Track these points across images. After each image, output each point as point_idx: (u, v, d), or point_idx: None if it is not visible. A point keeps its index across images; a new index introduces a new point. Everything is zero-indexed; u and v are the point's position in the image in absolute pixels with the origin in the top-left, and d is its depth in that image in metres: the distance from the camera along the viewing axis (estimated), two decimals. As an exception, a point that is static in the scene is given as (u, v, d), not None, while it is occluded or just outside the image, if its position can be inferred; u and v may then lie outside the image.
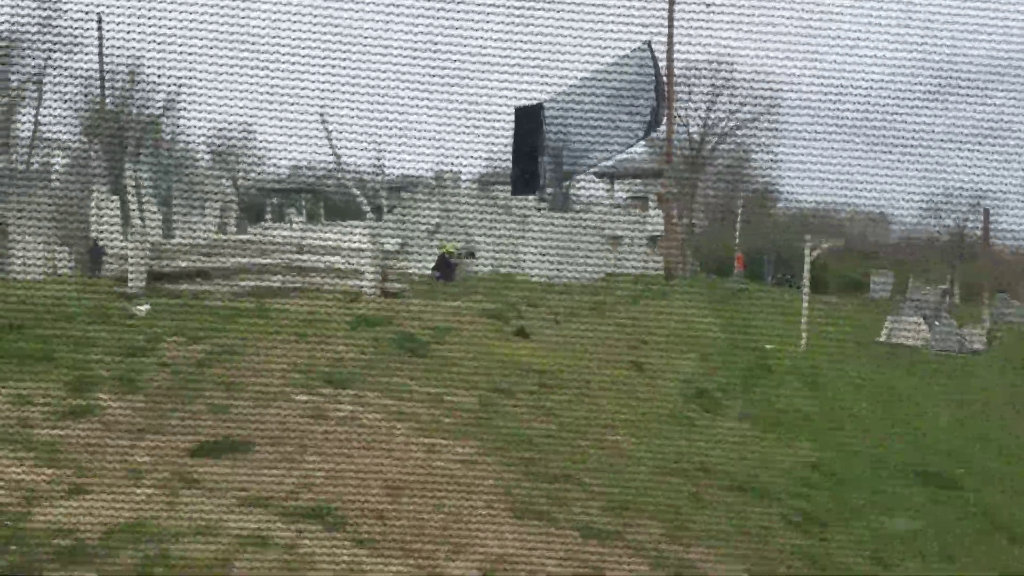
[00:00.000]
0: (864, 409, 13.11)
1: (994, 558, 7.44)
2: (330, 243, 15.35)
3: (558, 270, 25.03)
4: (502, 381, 8.44)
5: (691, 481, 7.27)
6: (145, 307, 11.68)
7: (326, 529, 4.97)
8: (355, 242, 15.13)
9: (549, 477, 6.34)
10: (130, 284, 14.82)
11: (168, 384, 7.12)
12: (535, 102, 28.08)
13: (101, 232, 27.65)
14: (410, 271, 15.63)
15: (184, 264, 15.30)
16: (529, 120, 27.77)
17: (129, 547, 4.31)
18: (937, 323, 24.80)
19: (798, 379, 14.18)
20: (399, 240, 15.15)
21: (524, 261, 26.46)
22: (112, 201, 27.59)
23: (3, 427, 5.94)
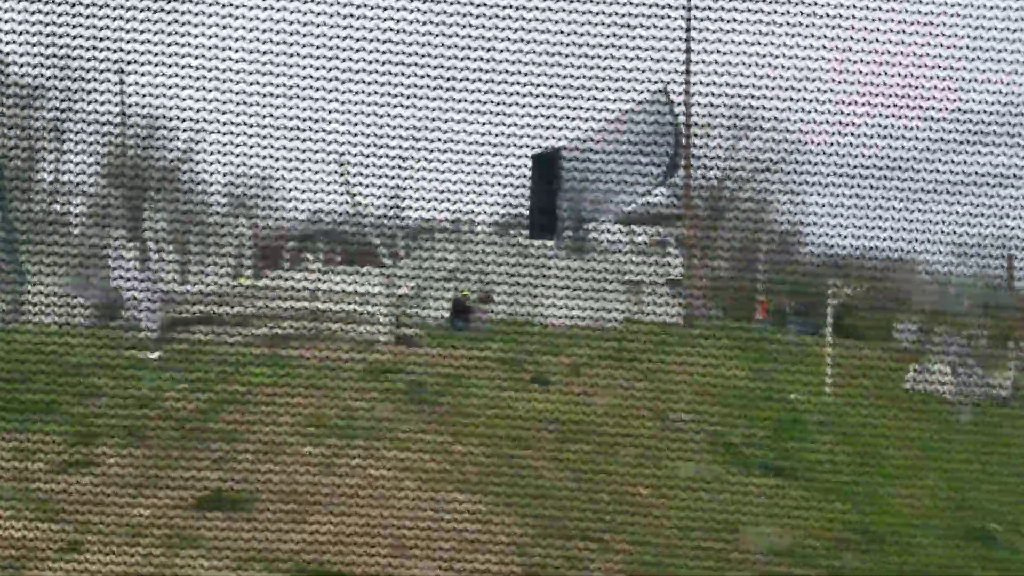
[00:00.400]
0: (895, 461, 12.66)
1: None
2: (344, 288, 15.23)
3: (576, 316, 24.74)
4: (519, 432, 8.13)
5: (720, 539, 6.90)
6: (156, 355, 11.53)
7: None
8: (368, 287, 15.00)
9: (566, 535, 6.01)
10: (143, 331, 14.72)
11: (172, 435, 6.87)
12: (553, 148, 27.96)
13: (118, 279, 27.72)
14: (426, 317, 15.43)
15: (198, 311, 15.19)
16: (547, 165, 27.72)
17: (118, 611, 4.03)
18: (963, 371, 24.28)
19: (825, 430, 13.77)
20: (414, 285, 14.95)
21: (541, 306, 26.26)
22: (130, 248, 27.73)
23: (6, 479, 5.70)
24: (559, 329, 19.70)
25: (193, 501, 5.63)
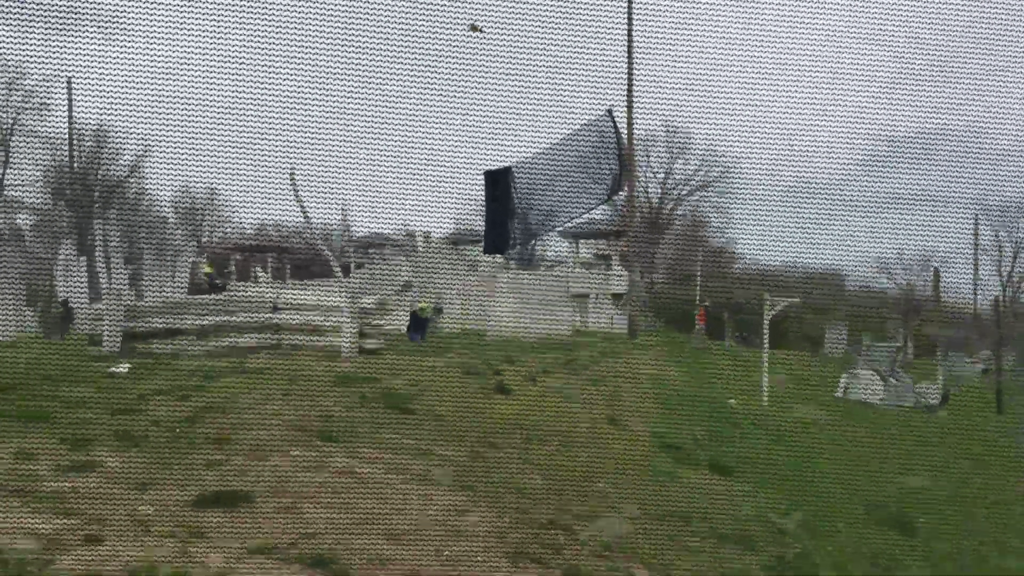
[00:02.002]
0: (828, 460, 13.56)
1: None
2: (307, 301, 15.58)
3: (527, 327, 25.44)
4: (487, 435, 8.72)
5: (673, 527, 7.58)
6: (125, 367, 11.77)
7: None
8: (332, 300, 15.37)
9: (539, 524, 6.62)
10: (105, 344, 14.85)
11: (163, 440, 7.28)
12: (504, 166, 28.77)
13: (69, 292, 27.52)
14: (384, 328, 15.86)
15: (160, 324, 15.38)
16: (498, 183, 28.64)
17: (148, 593, 4.50)
18: (892, 379, 25.52)
19: (762, 432, 14.62)
20: (377, 298, 15.40)
21: (493, 318, 26.85)
22: (79, 261, 27.55)
23: (13, 481, 6.07)
24: (512, 340, 20.34)
25: (193, 498, 6.06)
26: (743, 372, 24.95)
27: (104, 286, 25.20)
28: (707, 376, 21.72)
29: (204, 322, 15.57)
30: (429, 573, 5.37)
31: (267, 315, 15.47)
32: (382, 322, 15.54)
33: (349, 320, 14.58)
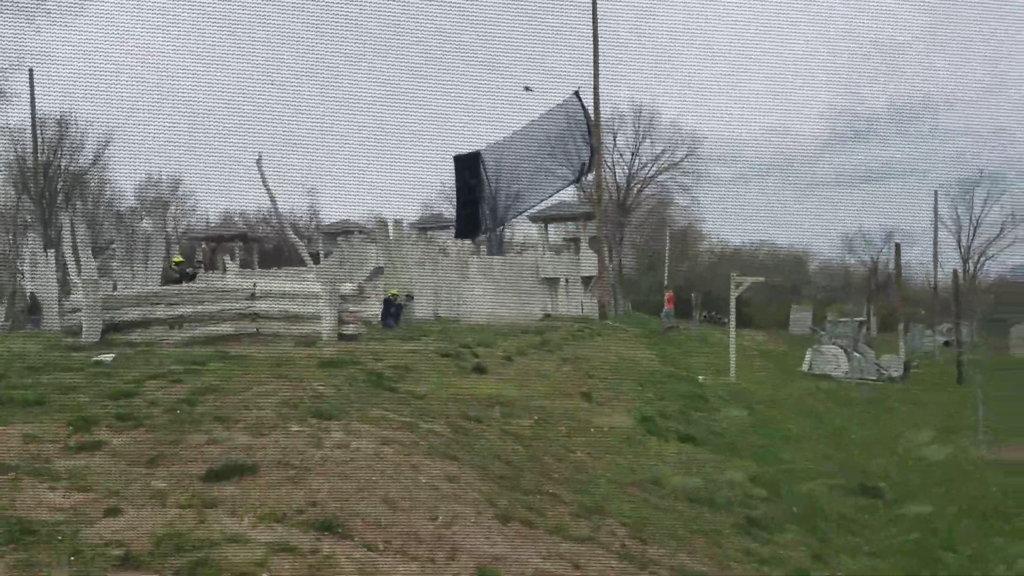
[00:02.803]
0: (794, 430, 14.23)
1: (914, 554, 8.43)
2: (286, 289, 15.87)
3: (498, 312, 25.89)
4: (469, 411, 9.18)
5: (647, 492, 8.11)
6: (110, 356, 12.01)
7: (338, 538, 5.61)
8: (311, 288, 15.67)
9: (524, 490, 7.10)
10: (84, 335, 15.05)
11: (165, 420, 7.63)
12: (473, 151, 29.23)
13: (35, 284, 27.48)
14: (362, 314, 16.20)
15: (138, 314, 15.60)
16: (468, 167, 29.10)
17: (175, 555, 4.89)
18: (855, 353, 26.43)
19: (731, 406, 15.26)
20: (355, 285, 15.74)
21: (465, 303, 27.26)
22: (47, 255, 27.49)
23: (26, 460, 6.40)
24: (486, 326, 20.78)
25: (202, 473, 6.44)
26: (711, 350, 25.67)
27: (74, 279, 25.24)
28: (677, 355, 22.41)
29: (181, 311, 15.82)
30: (427, 533, 5.81)
31: (245, 303, 15.73)
32: (359, 308, 15.87)
33: (328, 307, 14.92)
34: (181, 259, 23.31)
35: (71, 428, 7.33)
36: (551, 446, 8.70)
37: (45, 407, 8.07)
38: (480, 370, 12.04)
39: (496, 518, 6.32)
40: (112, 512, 5.54)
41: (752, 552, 7.19)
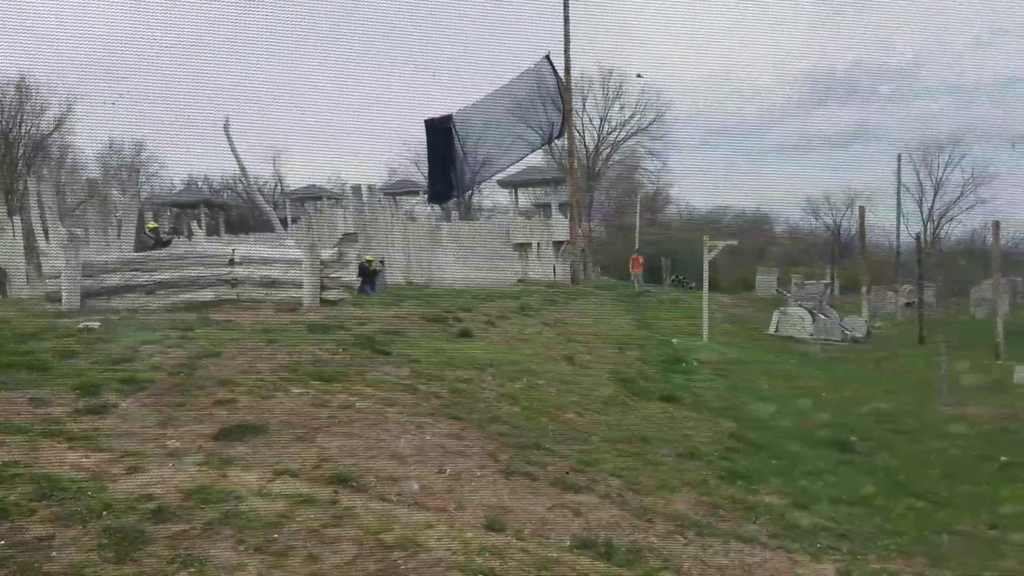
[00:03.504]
0: (766, 390, 14.72)
1: (887, 507, 8.89)
2: (266, 255, 15.92)
3: (471, 276, 26.09)
4: (464, 373, 9.46)
5: (636, 447, 8.47)
6: (96, 323, 12.06)
7: (353, 491, 5.87)
8: (292, 254, 15.76)
9: (523, 446, 7.41)
10: (64, 301, 15.03)
11: (168, 384, 7.80)
12: (445, 114, 29.27)
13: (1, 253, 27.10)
14: (343, 280, 16.33)
15: (119, 280, 15.59)
16: (440, 131, 29.13)
17: (204, 507, 5.12)
18: (820, 315, 27.12)
19: (706, 367, 15.72)
20: (335, 250, 15.85)
21: (438, 268, 27.44)
22: (10, 221, 27.08)
23: (39, 423, 6.55)
24: (460, 289, 20.97)
25: (214, 432, 6.66)
26: (682, 313, 26.18)
27: (42, 246, 24.96)
28: (650, 318, 22.86)
29: (162, 277, 15.82)
30: (438, 486, 6.10)
31: (226, 269, 15.77)
32: (339, 274, 15.99)
33: (310, 273, 15.04)
34: (155, 224, 23.18)
35: (77, 392, 7.48)
36: (544, 406, 9.02)
37: (46, 373, 8.18)
38: (466, 334, 12.31)
39: (500, 472, 6.62)
40: (134, 470, 5.75)
41: (738, 500, 7.57)
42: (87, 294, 15.41)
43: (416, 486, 5.97)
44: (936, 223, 59.93)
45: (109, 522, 4.88)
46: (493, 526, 5.52)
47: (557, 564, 4.95)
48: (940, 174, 59.33)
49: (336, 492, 5.72)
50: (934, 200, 59.88)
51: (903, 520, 8.23)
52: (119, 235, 21.43)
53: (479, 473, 6.49)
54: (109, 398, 7.40)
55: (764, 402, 13.13)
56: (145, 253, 17.85)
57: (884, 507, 8.63)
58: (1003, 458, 11.21)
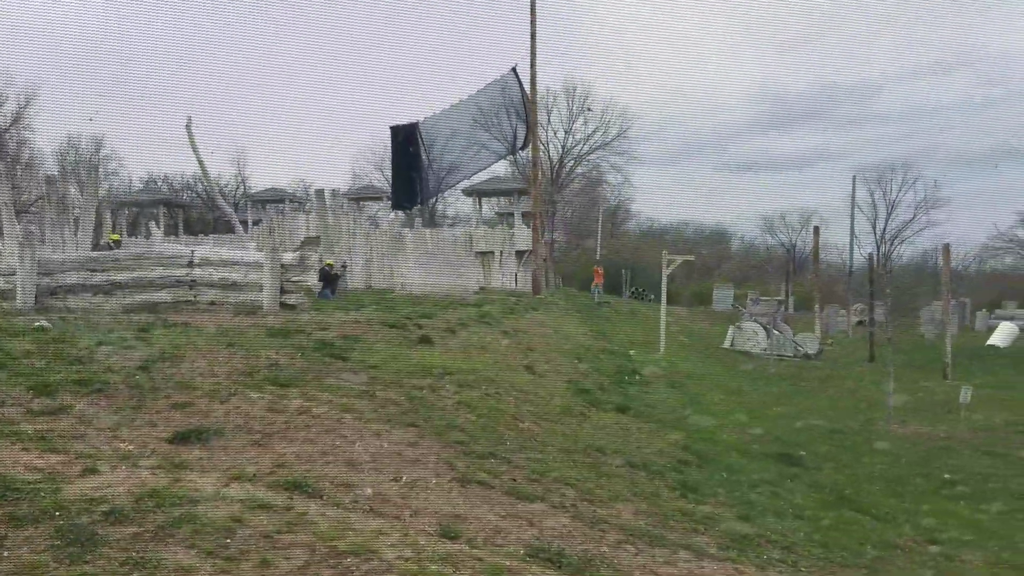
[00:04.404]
0: (719, 403, 14.97)
1: (831, 520, 9.13)
2: (226, 257, 15.82)
3: (433, 283, 26.14)
4: (421, 381, 9.51)
5: (590, 458, 8.61)
6: (49, 322, 11.89)
7: (308, 497, 5.91)
8: (252, 256, 15.67)
9: (479, 455, 7.49)
10: (19, 299, 14.81)
11: (123, 386, 7.75)
12: (411, 122, 29.28)
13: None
14: (303, 283, 16.26)
15: (76, 279, 15.39)
16: (405, 138, 29.18)
17: (156, 511, 5.12)
18: (774, 331, 27.62)
19: (661, 380, 15.94)
20: (296, 254, 15.80)
21: (399, 274, 27.42)
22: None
23: (-8, 423, 6.49)
24: (421, 295, 21.01)
25: (169, 436, 6.65)
26: (640, 326, 26.49)
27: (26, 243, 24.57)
28: (608, 329, 23.10)
29: (120, 277, 15.64)
30: (393, 493, 6.16)
31: (184, 271, 15.63)
32: (300, 278, 15.93)
33: (270, 276, 14.97)
34: (117, 236, 22.91)
35: (31, 392, 7.41)
36: (501, 416, 9.11)
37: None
38: (426, 340, 12.35)
39: (455, 481, 6.70)
40: (88, 471, 5.73)
41: (688, 512, 7.74)
42: (42, 293, 15.20)
43: (369, 491, 6.03)
44: (889, 244, 61.24)
45: (62, 523, 4.88)
46: (447, 534, 5.59)
47: (509, 572, 5.04)
48: (894, 196, 60.70)
49: (291, 497, 5.75)
50: (887, 221, 61.22)
51: (846, 534, 8.46)
52: (76, 233, 21.07)
53: (434, 481, 6.56)
54: (63, 399, 7.34)
55: (716, 415, 13.36)
56: (104, 252, 17.64)
57: (828, 520, 8.86)
58: (946, 476, 11.56)
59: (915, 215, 59.61)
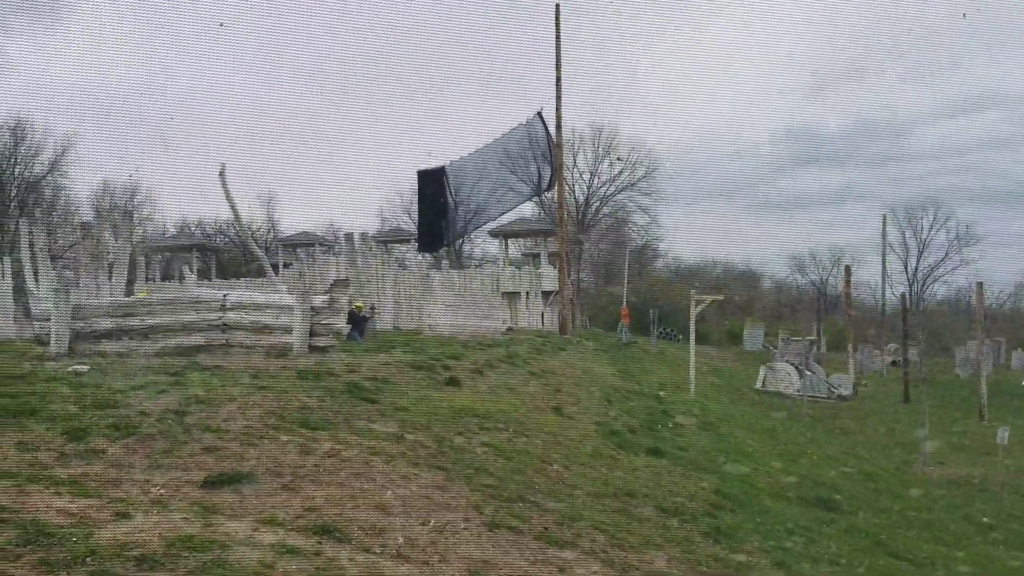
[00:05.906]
0: (752, 446, 14.77)
1: (866, 563, 8.94)
2: (258, 300, 15.98)
3: (461, 324, 26.17)
4: (450, 424, 9.51)
5: (621, 502, 8.51)
6: (85, 367, 12.06)
7: (337, 542, 5.90)
8: (284, 299, 15.82)
9: (508, 499, 7.44)
10: (53, 345, 15.02)
11: (156, 430, 7.82)
12: (438, 166, 29.65)
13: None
14: (333, 326, 16.35)
15: (109, 324, 15.60)
16: (432, 182, 29.51)
17: (187, 556, 5.14)
18: (807, 371, 27.27)
19: (693, 422, 15.76)
20: (326, 297, 15.93)
21: (427, 315, 27.52)
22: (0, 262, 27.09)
23: (26, 468, 6.57)
24: (451, 338, 21.04)
25: (201, 480, 6.68)
26: (669, 366, 26.27)
27: (32, 287, 24.91)
28: (637, 370, 22.93)
29: (154, 322, 15.83)
30: (422, 540, 6.13)
31: (216, 314, 15.79)
32: (330, 321, 16.03)
33: (300, 319, 15.10)
34: (145, 294, 23.24)
35: (65, 437, 7.50)
36: (530, 459, 9.06)
37: (34, 417, 8.19)
38: (454, 383, 12.35)
39: (484, 525, 6.66)
40: (121, 516, 5.77)
41: (721, 559, 7.61)
42: (76, 337, 15.42)
43: (401, 539, 6.01)
44: (921, 283, 60.55)
45: (93, 568, 4.91)
46: (476, 580, 5.55)
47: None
48: (926, 235, 60.16)
49: (320, 542, 5.75)
50: (919, 260, 60.61)
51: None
52: (110, 278, 21.41)
53: (463, 526, 6.52)
54: (96, 443, 7.41)
55: (749, 458, 13.18)
56: (137, 298, 17.89)
57: (864, 569, 8.67)
58: (985, 520, 11.29)
59: (947, 253, 58.99)
